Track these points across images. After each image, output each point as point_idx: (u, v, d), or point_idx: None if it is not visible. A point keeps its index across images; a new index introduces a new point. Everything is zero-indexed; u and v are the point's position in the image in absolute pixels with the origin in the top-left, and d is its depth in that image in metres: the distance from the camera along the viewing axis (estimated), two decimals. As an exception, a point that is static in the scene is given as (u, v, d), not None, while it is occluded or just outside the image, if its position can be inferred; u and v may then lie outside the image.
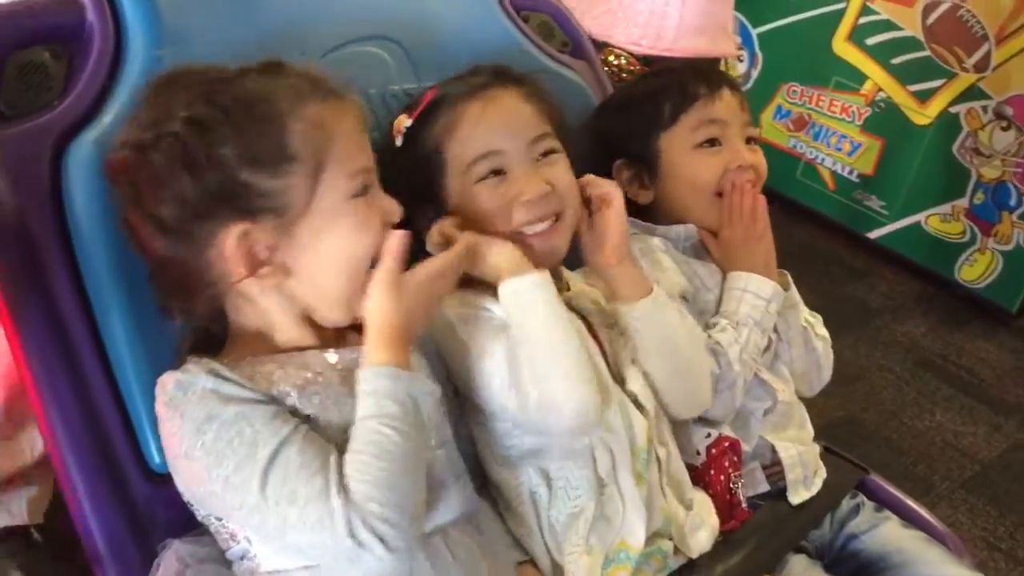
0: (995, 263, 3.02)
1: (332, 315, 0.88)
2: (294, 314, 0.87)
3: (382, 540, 0.76)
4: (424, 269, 0.88)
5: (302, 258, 0.84)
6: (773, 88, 3.34)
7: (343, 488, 0.77)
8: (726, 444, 1.10)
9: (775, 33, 3.30)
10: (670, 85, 1.25)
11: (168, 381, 0.81)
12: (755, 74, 3.39)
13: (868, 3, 3.04)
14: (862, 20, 3.07)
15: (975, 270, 3.07)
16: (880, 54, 3.06)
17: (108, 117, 0.91)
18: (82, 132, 0.89)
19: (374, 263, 0.85)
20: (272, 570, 0.83)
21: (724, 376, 1.12)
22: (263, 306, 0.87)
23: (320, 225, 0.84)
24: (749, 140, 1.25)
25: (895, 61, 3.03)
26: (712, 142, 1.22)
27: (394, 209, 0.88)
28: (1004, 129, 2.89)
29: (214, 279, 0.84)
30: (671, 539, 1.02)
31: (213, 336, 0.89)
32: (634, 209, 1.22)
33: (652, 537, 0.99)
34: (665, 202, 1.26)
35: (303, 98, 0.84)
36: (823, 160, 3.28)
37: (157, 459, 0.88)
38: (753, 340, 1.16)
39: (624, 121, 1.26)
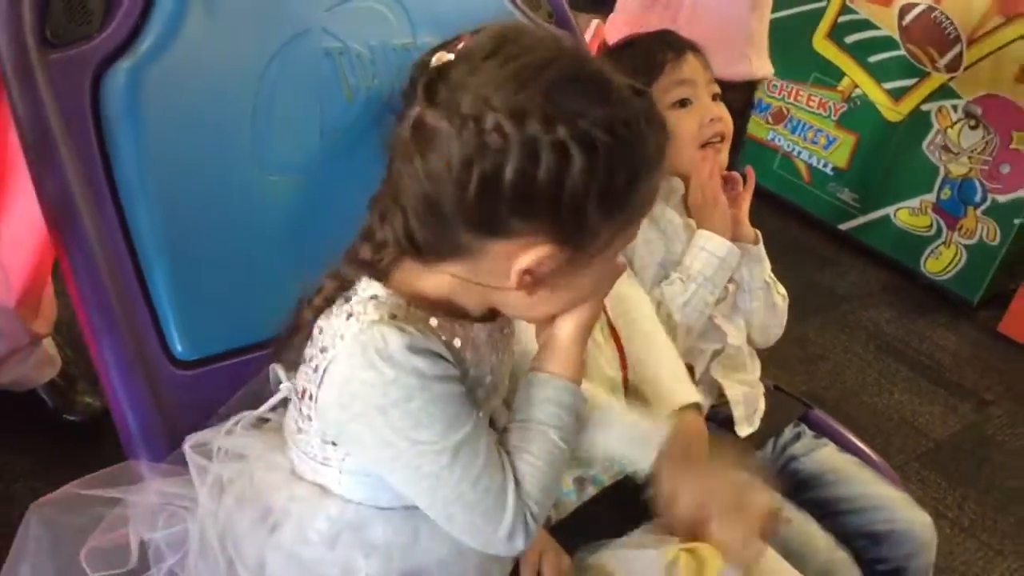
0: (959, 256, 3.16)
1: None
2: (486, 298, 0.89)
3: (526, 536, 0.85)
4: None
5: (563, 281, 0.86)
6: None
7: (518, 487, 0.84)
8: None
9: (759, 29, 3.43)
10: (637, 55, 1.38)
11: (391, 339, 0.81)
12: (738, 68, 3.52)
13: (848, 2, 3.17)
14: (841, 19, 3.20)
15: (940, 263, 3.20)
16: (858, 52, 3.19)
17: (142, 47, 1.02)
18: (118, 61, 1.01)
19: None
20: (347, 499, 0.89)
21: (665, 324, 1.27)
22: (475, 286, 0.87)
23: (594, 263, 0.86)
24: (714, 97, 1.38)
25: (872, 59, 3.17)
26: (683, 102, 1.35)
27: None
28: (972, 128, 3.02)
29: (464, 249, 0.84)
30: None
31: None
32: None
33: None
34: None
35: (659, 157, 0.85)
36: (799, 153, 3.41)
37: (179, 348, 1.00)
38: (700, 294, 1.30)
39: None
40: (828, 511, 1.28)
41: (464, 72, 0.81)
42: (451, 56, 0.83)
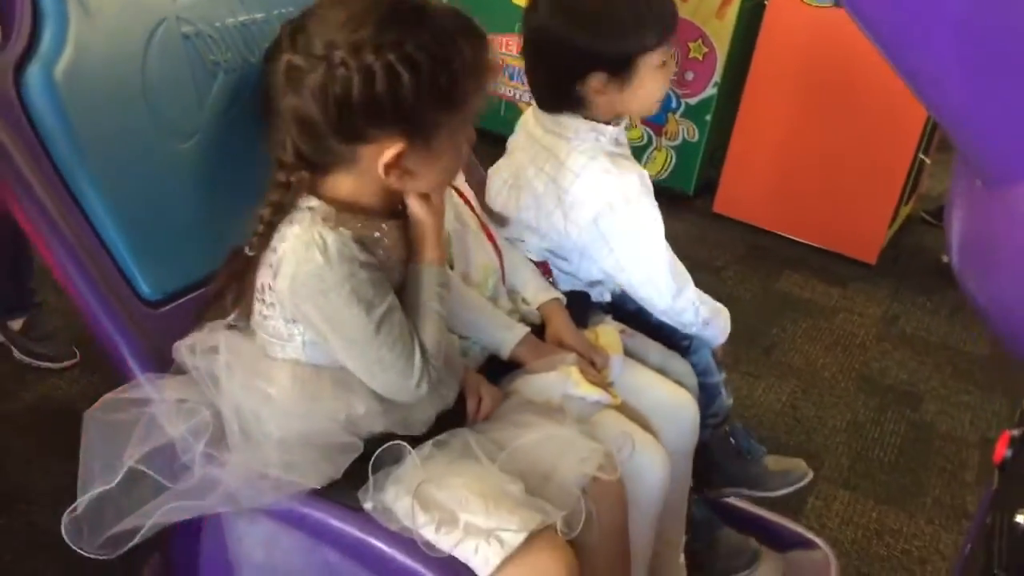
0: (669, 157, 3.71)
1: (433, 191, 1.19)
2: (385, 189, 1.14)
3: (429, 383, 1.13)
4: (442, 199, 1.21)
5: (427, 168, 1.13)
6: (468, 40, 3.82)
7: (423, 348, 1.13)
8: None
9: (460, -8, 3.78)
10: (651, 13, 1.48)
11: (327, 236, 1.06)
12: (450, 30, 3.86)
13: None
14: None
15: (655, 166, 3.73)
16: (551, -2, 3.61)
17: (43, 49, 1.16)
18: (28, 65, 1.16)
19: None
20: (312, 363, 1.14)
21: None
22: (367, 182, 1.13)
23: (446, 146, 1.13)
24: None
25: (564, 3, 3.61)
26: (665, 63, 1.52)
27: (473, 137, 1.19)
28: (657, 47, 3.55)
29: (348, 156, 1.10)
30: None
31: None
32: (571, 103, 1.52)
33: None
34: (615, 106, 1.53)
35: (477, 61, 1.10)
36: (521, 96, 3.82)
37: (146, 290, 1.19)
38: None
39: (613, 42, 1.47)
40: (644, 315, 1.64)
41: (314, 22, 1.10)
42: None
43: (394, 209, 1.20)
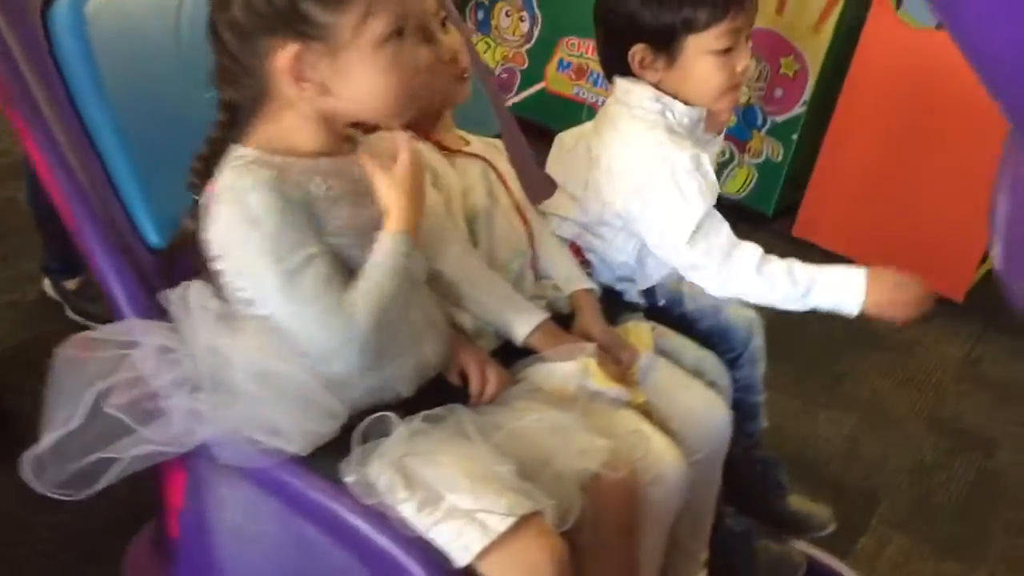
0: (751, 175, 3.59)
1: (370, 120, 1.13)
2: (317, 120, 1.10)
3: (359, 352, 1.05)
4: (407, 166, 1.12)
5: (340, 82, 1.06)
6: (554, 43, 3.77)
7: (352, 309, 1.04)
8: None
9: (550, -5, 3.75)
10: None
11: (242, 179, 1.03)
12: (536, 32, 3.82)
13: (627, -38, 3.53)
14: (623, -23, 3.56)
15: (736, 183, 3.61)
16: (641, 5, 3.54)
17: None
18: (58, -1, 1.15)
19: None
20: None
21: None
22: (296, 111, 1.08)
23: (358, 59, 1.05)
24: (748, 38, 1.45)
25: (654, 10, 3.53)
26: (727, 50, 1.41)
27: (423, 55, 1.14)
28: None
29: (264, 83, 1.07)
30: None
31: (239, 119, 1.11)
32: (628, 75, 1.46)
33: None
34: (669, 86, 1.46)
35: None
36: (604, 102, 3.74)
37: (153, 238, 1.16)
38: None
39: (655, 14, 1.40)
40: (687, 321, 1.56)
41: None
42: None
43: (338, 149, 1.14)
